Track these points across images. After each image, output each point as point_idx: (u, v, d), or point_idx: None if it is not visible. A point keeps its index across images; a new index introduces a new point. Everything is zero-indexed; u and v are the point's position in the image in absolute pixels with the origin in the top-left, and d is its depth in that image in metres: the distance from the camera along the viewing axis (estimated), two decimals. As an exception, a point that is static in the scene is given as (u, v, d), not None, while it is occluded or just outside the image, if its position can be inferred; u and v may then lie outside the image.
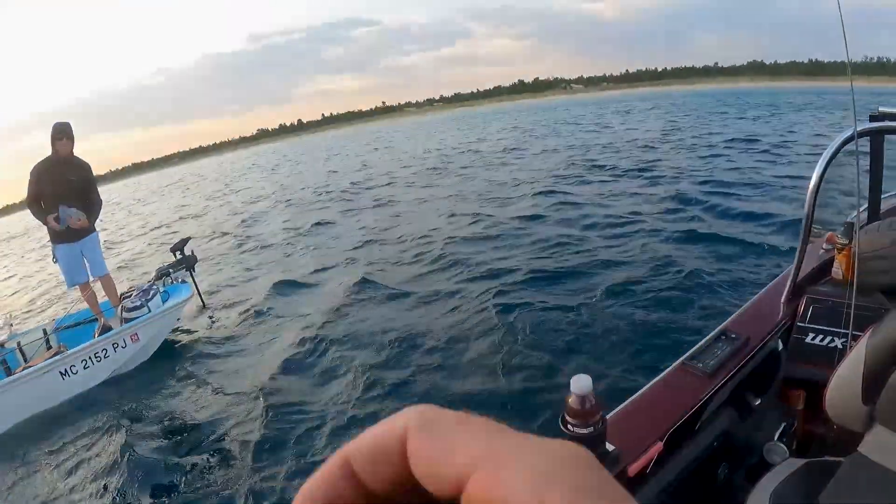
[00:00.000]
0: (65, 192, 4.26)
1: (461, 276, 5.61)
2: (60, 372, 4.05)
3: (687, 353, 1.62)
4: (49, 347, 4.49)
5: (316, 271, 6.76)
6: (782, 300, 1.90)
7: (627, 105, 44.53)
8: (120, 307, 4.53)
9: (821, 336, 1.75)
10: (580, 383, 1.16)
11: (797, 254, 1.90)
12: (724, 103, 34.22)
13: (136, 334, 4.41)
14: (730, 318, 1.84)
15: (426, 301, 5.09)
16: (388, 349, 4.11)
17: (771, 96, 41.42)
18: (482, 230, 7.35)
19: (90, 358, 4.17)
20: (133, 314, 4.46)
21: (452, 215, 8.57)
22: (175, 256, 5.54)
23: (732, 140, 13.52)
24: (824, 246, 2.15)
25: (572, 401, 1.18)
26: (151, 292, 4.70)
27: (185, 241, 5.70)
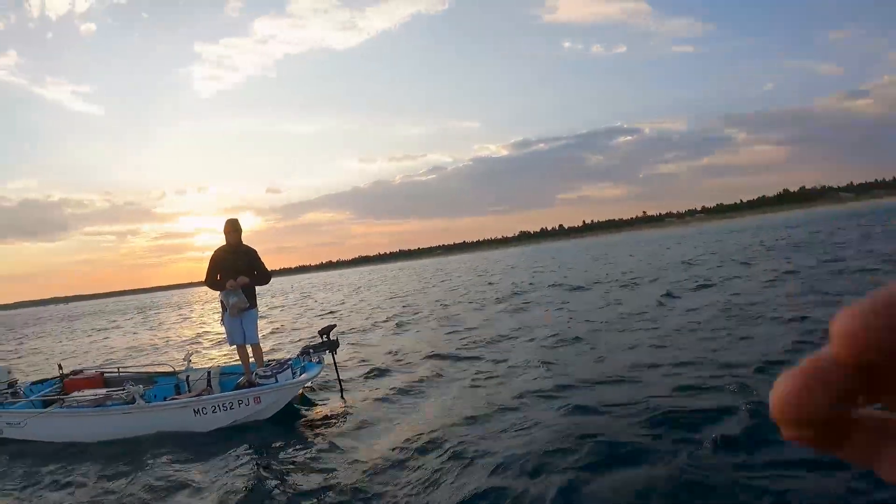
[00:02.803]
0: (235, 272, 5.66)
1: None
2: (194, 409, 5.28)
3: None
4: (208, 385, 5.90)
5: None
6: None
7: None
8: (255, 373, 5.69)
9: None
10: None
11: None
12: None
13: (259, 398, 5.41)
14: None
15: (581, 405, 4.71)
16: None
17: None
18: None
19: (219, 406, 5.32)
20: (261, 381, 5.56)
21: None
22: (321, 338, 6.64)
23: None
24: None
25: None
26: (285, 366, 5.76)
27: (331, 327, 6.77)
